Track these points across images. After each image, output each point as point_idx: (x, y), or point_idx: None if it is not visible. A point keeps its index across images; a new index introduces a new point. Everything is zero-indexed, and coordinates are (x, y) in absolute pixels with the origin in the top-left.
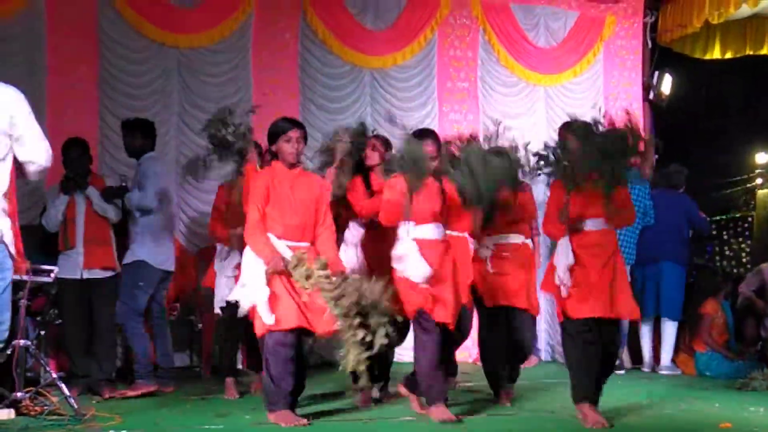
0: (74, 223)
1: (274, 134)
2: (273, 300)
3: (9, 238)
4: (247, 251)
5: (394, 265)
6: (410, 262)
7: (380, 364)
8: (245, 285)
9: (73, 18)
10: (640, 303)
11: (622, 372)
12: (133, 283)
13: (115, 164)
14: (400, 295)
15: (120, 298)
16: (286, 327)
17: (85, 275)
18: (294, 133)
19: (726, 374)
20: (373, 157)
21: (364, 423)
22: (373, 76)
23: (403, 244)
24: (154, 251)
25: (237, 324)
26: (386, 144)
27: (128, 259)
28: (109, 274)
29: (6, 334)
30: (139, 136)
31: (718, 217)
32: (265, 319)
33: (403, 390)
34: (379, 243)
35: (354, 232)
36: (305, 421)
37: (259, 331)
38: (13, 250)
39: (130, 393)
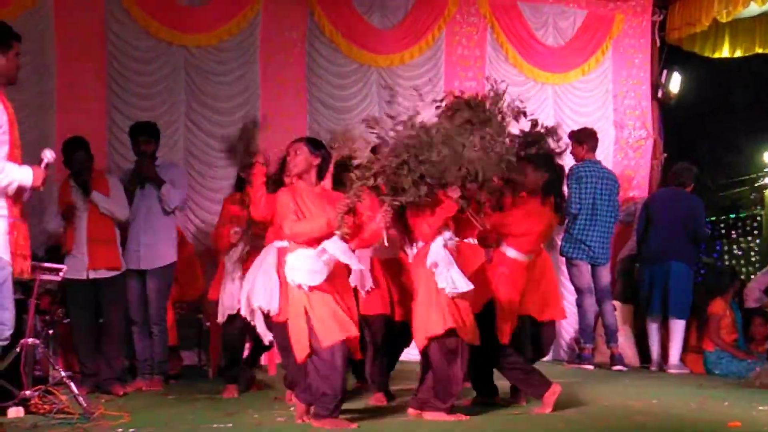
0: (79, 225)
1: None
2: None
3: (2, 239)
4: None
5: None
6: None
7: (389, 363)
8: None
9: (80, 17)
10: (648, 302)
11: (625, 369)
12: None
13: (124, 163)
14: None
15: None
16: (331, 342)
17: (91, 275)
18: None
19: (735, 373)
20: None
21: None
22: (380, 74)
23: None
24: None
25: (241, 333)
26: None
27: (168, 260)
28: (114, 273)
29: (8, 333)
30: (153, 142)
31: (726, 216)
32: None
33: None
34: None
35: None
36: (355, 425)
37: (301, 356)
38: (6, 250)
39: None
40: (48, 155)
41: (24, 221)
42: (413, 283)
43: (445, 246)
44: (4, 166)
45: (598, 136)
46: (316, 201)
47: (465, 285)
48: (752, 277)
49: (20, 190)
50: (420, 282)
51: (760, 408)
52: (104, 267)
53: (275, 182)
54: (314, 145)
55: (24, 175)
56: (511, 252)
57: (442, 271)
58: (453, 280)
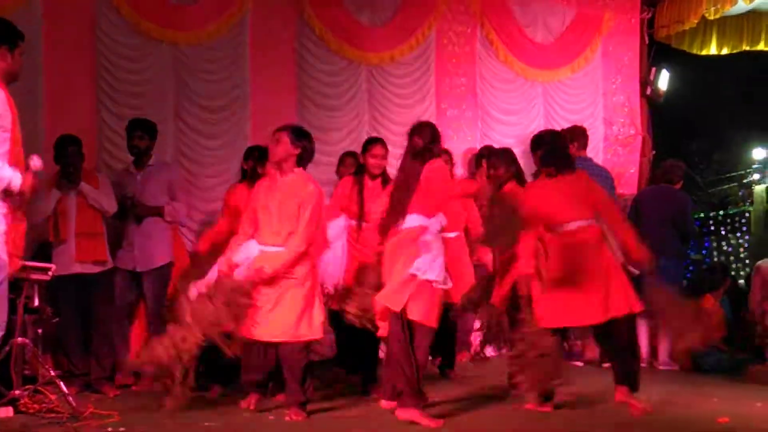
0: (66, 217)
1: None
2: None
3: (1, 239)
4: None
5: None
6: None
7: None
8: None
9: (69, 15)
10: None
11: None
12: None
13: (113, 162)
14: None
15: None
16: None
17: (78, 269)
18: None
19: (723, 369)
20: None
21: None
22: (370, 72)
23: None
24: None
25: None
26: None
27: (163, 261)
28: (100, 268)
29: (1, 333)
30: (148, 138)
31: (715, 213)
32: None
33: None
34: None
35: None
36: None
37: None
38: (4, 250)
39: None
40: (35, 161)
41: (22, 221)
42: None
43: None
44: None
45: (588, 133)
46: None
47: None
48: (741, 273)
49: (8, 191)
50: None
51: (749, 404)
52: (91, 260)
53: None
54: (297, 134)
55: (13, 177)
56: None
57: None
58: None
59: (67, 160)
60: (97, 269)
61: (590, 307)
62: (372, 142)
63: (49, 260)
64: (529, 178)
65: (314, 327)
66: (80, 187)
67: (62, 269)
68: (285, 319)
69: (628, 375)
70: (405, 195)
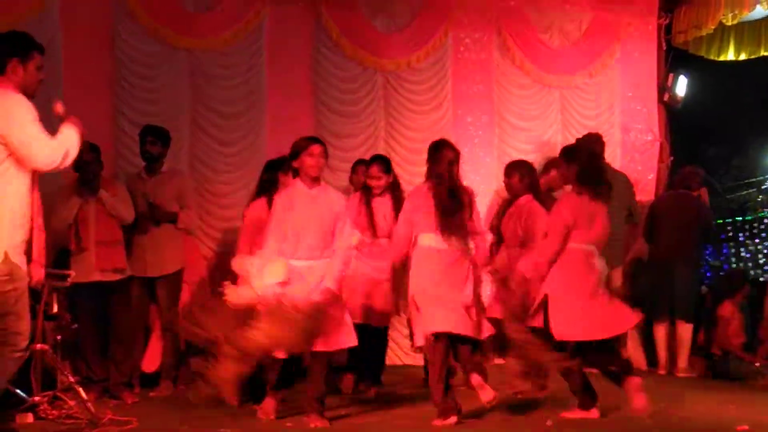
0: (86, 225)
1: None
2: None
3: (17, 249)
4: None
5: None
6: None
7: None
8: None
9: (87, 22)
10: (653, 305)
11: None
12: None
13: (130, 168)
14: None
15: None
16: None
17: (98, 277)
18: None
19: (741, 376)
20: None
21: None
22: (386, 79)
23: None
24: None
25: None
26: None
27: (176, 267)
28: (120, 276)
29: (24, 344)
30: (160, 144)
31: (733, 219)
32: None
33: None
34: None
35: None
36: None
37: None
38: (21, 259)
39: None
40: (59, 108)
41: (42, 230)
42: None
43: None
44: (61, 142)
45: (605, 139)
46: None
47: None
48: (761, 280)
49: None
50: None
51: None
52: (111, 268)
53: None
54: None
55: (72, 134)
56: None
57: None
58: None
59: (86, 168)
60: (116, 277)
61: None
62: (371, 161)
63: (67, 267)
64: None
65: (352, 334)
66: (99, 195)
67: (82, 277)
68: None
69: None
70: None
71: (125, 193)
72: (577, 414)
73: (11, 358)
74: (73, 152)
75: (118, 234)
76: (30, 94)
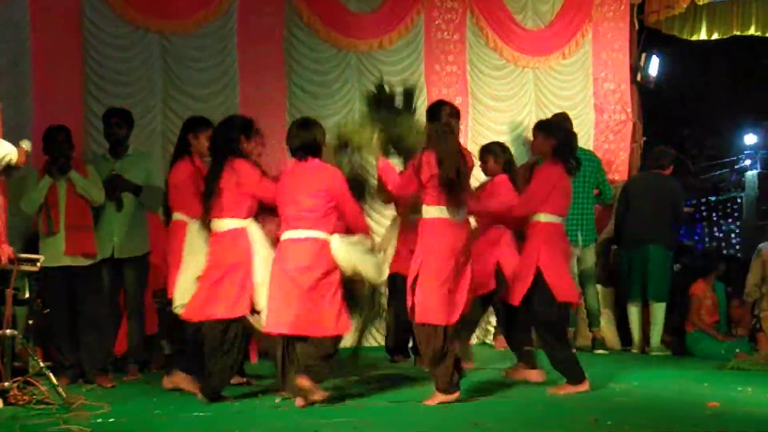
0: (57, 209)
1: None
2: None
3: None
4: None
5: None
6: None
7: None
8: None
9: (56, 4)
10: (627, 284)
11: (606, 352)
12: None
13: (100, 151)
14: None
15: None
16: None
17: (68, 262)
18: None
19: (714, 355)
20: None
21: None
22: (360, 59)
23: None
24: None
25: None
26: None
27: (143, 250)
28: (90, 261)
29: None
30: (126, 126)
31: (706, 199)
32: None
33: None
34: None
35: None
36: None
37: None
38: None
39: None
40: (27, 143)
41: (4, 210)
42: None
43: None
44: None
45: (579, 119)
46: None
47: None
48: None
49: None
50: None
51: (739, 389)
52: (80, 253)
53: None
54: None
55: (12, 150)
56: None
57: None
58: None
59: (56, 149)
60: (85, 262)
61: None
62: None
63: (36, 252)
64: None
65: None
66: (69, 175)
67: (51, 261)
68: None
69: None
70: None
71: (95, 174)
72: (567, 389)
73: None
74: (12, 159)
75: (89, 218)
76: None
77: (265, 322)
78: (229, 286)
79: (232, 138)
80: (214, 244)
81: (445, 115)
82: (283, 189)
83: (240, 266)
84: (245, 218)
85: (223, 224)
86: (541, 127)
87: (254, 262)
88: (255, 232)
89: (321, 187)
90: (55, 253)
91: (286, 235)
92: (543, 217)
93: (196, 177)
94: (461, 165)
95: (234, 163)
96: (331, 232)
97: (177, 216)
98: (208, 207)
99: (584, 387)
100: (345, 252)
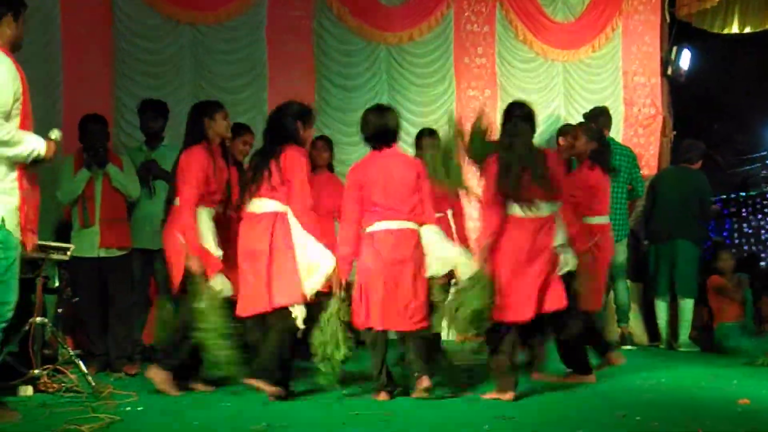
0: (93, 202)
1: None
2: None
3: (11, 217)
4: None
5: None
6: None
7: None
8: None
9: None
10: (654, 280)
11: (634, 348)
12: None
13: (130, 142)
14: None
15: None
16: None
17: (102, 254)
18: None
19: (743, 351)
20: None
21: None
22: (389, 52)
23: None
24: None
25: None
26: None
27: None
28: (123, 252)
29: (10, 314)
30: (161, 119)
31: (736, 194)
32: None
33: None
34: None
35: None
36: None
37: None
38: (16, 228)
39: None
40: (56, 133)
41: (35, 194)
42: None
43: None
44: (23, 136)
45: (610, 113)
46: None
47: None
48: (762, 255)
49: (35, 160)
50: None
51: None
52: (116, 246)
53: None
54: None
55: (40, 145)
56: None
57: None
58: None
59: (93, 140)
60: (118, 253)
61: None
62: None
63: (67, 241)
64: None
65: None
66: (106, 168)
67: (84, 251)
68: None
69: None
70: None
71: (130, 167)
72: (575, 378)
73: None
74: (25, 152)
75: (123, 211)
76: (18, 48)
77: (361, 317)
78: (280, 270)
79: (289, 124)
80: (252, 226)
81: (513, 118)
82: (365, 179)
83: (287, 250)
84: (285, 204)
85: (264, 205)
86: (584, 130)
87: (296, 246)
88: (293, 217)
89: (411, 176)
90: (89, 244)
91: (378, 226)
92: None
93: (211, 165)
94: (532, 166)
95: (289, 150)
96: (421, 223)
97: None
98: (250, 188)
99: (509, 396)
100: (439, 244)
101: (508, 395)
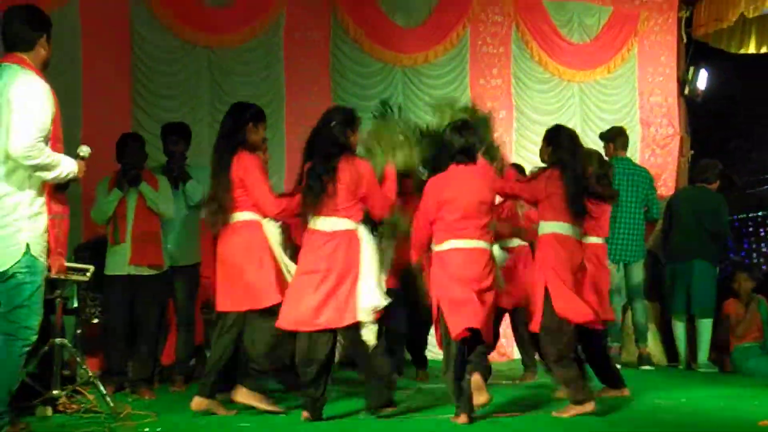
0: (125, 219)
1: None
2: None
3: (38, 242)
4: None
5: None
6: None
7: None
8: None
9: (106, 18)
10: (672, 300)
11: (652, 368)
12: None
13: (149, 162)
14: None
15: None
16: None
17: (132, 272)
18: None
19: (763, 372)
20: None
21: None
22: (405, 74)
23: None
24: None
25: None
26: None
27: (196, 258)
28: (154, 271)
29: (34, 338)
30: (183, 142)
31: (754, 214)
32: None
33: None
34: None
35: None
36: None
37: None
38: (42, 252)
39: None
40: (85, 150)
41: (65, 217)
42: None
43: None
44: (60, 159)
45: (627, 133)
46: None
47: None
48: None
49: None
50: None
51: None
52: (147, 264)
53: None
54: None
55: (74, 166)
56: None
57: None
58: None
59: (129, 160)
60: (150, 271)
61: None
62: None
63: (102, 259)
64: None
65: None
66: (140, 187)
67: (115, 269)
68: None
69: None
70: None
71: (166, 186)
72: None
73: (20, 353)
74: (62, 175)
75: (157, 230)
76: (45, 68)
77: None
78: (344, 291)
79: (339, 132)
80: (324, 244)
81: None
82: (440, 195)
83: (352, 270)
84: (358, 221)
85: (335, 223)
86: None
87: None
88: (364, 233)
89: (487, 195)
90: (120, 261)
91: (450, 244)
92: None
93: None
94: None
95: (351, 160)
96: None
97: (248, 216)
98: (317, 204)
99: (590, 407)
100: None
101: (589, 406)
